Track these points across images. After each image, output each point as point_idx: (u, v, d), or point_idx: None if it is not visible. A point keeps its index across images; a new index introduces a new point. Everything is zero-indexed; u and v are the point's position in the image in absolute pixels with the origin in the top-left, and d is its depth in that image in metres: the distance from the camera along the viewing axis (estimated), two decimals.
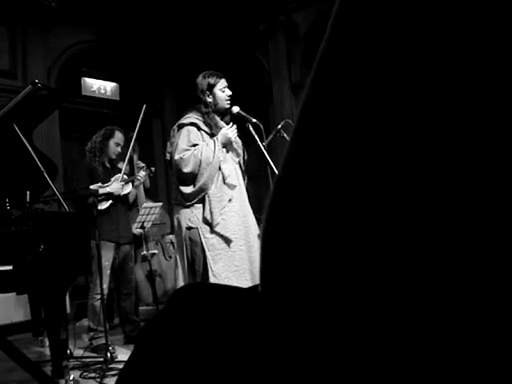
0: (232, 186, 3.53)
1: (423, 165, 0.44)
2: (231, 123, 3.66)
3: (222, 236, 3.44)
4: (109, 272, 4.57)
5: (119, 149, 4.77)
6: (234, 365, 0.51)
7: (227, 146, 3.62)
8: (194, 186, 3.49)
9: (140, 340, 0.58)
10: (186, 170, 3.48)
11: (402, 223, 0.44)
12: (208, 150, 3.49)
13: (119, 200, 4.66)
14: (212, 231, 3.45)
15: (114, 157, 4.75)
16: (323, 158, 0.48)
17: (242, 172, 3.76)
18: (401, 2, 0.45)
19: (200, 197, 3.50)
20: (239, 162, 3.73)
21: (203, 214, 3.49)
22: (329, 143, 0.48)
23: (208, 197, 3.48)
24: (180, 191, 3.56)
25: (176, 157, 3.51)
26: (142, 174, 4.80)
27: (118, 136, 4.78)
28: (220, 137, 3.55)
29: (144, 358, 0.55)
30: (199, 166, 3.47)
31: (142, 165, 4.95)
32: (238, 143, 3.75)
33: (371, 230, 0.45)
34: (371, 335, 0.46)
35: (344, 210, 0.47)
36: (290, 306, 0.50)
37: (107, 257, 4.51)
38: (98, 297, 4.35)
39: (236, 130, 3.62)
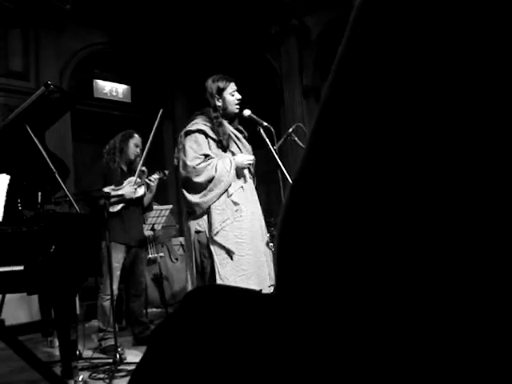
0: (235, 204, 3.52)
1: (439, 172, 0.44)
2: (252, 157, 3.68)
3: (222, 246, 3.44)
4: (119, 273, 4.59)
5: (138, 150, 4.82)
6: (246, 367, 0.51)
7: (238, 171, 3.62)
8: (201, 198, 3.50)
9: (153, 341, 0.58)
10: (197, 180, 3.48)
11: (420, 224, 0.44)
12: (223, 168, 3.49)
13: (132, 203, 4.67)
14: (213, 241, 3.46)
15: (133, 157, 4.79)
16: (340, 161, 0.48)
17: (252, 175, 3.76)
18: (419, 7, 0.45)
19: (203, 210, 3.52)
20: (248, 165, 3.72)
21: (206, 221, 3.51)
22: (346, 146, 0.48)
23: (210, 208, 3.50)
24: (186, 198, 3.57)
25: (189, 163, 3.50)
26: (155, 176, 4.81)
27: (137, 137, 4.87)
28: (238, 163, 3.55)
29: (157, 360, 0.55)
30: (209, 182, 3.48)
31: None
32: (245, 146, 3.76)
33: (386, 231, 0.45)
34: (393, 338, 0.46)
35: (361, 213, 0.47)
36: (307, 308, 0.50)
37: (117, 258, 4.53)
38: (108, 297, 4.37)
39: (254, 161, 3.66)
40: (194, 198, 3.52)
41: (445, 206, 0.43)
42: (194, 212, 3.55)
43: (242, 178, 3.60)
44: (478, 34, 0.43)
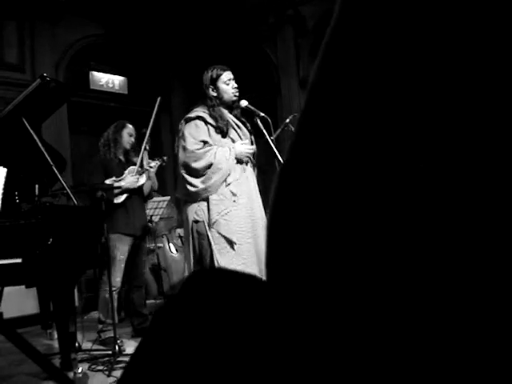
0: (233, 194, 3.53)
1: (430, 150, 0.43)
2: (253, 144, 3.69)
3: (222, 235, 3.45)
4: (123, 266, 4.56)
5: (132, 139, 4.82)
6: (244, 355, 0.50)
7: (238, 160, 3.63)
8: (201, 183, 3.51)
9: (152, 325, 0.58)
10: (195, 165, 3.50)
11: (408, 208, 0.44)
12: (222, 156, 3.51)
13: (134, 192, 4.67)
14: (211, 230, 3.47)
15: (128, 147, 4.79)
16: (329, 142, 0.48)
17: (252, 163, 3.76)
18: None
19: (203, 197, 3.53)
20: (248, 156, 3.73)
21: (205, 210, 3.53)
22: (335, 127, 0.48)
23: (208, 198, 3.52)
24: (185, 184, 3.58)
25: (188, 147, 3.52)
26: (154, 163, 4.81)
27: (130, 127, 4.85)
28: (237, 151, 3.56)
29: (155, 345, 0.55)
30: (207, 169, 3.49)
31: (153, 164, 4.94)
32: (245, 135, 3.76)
33: (376, 217, 0.45)
34: (384, 332, 0.45)
35: (351, 196, 0.46)
36: (296, 295, 0.50)
37: (123, 250, 4.52)
38: (112, 289, 4.36)
39: (254, 150, 3.68)
40: (195, 181, 3.53)
41: (435, 194, 0.43)
42: (192, 200, 3.57)
43: (241, 168, 3.61)
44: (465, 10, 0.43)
